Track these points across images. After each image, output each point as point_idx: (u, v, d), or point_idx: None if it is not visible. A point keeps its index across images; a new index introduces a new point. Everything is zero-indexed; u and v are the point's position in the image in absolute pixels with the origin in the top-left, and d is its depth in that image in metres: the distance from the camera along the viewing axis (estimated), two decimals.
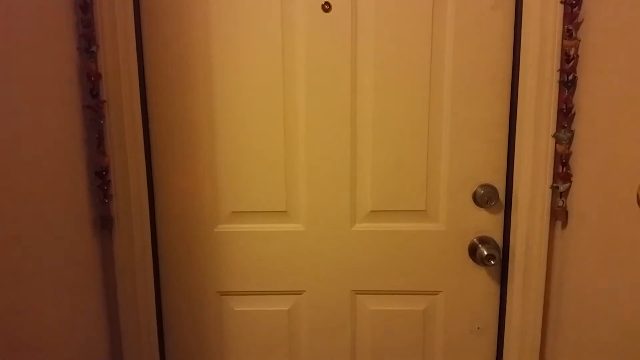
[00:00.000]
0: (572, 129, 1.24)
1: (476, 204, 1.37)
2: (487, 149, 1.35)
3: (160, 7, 1.30)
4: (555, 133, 1.25)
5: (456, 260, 1.41)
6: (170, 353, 1.50)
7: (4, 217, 0.93)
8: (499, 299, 1.44)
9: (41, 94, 1.06)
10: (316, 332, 1.48)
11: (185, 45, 1.31)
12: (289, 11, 1.30)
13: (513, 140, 1.33)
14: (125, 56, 1.27)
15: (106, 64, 1.25)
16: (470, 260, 1.40)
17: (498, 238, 1.39)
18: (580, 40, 1.19)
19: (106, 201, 1.31)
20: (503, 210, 1.38)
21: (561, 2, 1.19)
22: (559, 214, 1.29)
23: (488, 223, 1.39)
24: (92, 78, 1.24)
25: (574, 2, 1.17)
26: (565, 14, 1.19)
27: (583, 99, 1.20)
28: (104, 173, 1.29)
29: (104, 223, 1.32)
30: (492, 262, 1.33)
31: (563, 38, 1.21)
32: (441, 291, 1.44)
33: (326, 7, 1.29)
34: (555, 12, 1.20)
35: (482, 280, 1.42)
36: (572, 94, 1.23)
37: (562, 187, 1.27)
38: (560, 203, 1.28)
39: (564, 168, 1.26)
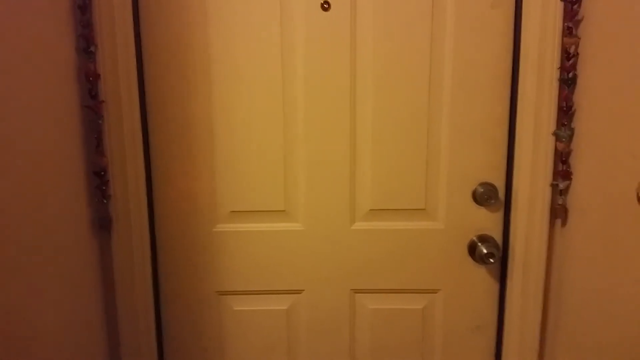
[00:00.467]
0: (572, 126, 1.24)
1: (476, 202, 1.37)
2: (487, 147, 1.35)
3: (158, 7, 1.29)
4: (555, 131, 1.25)
5: (455, 258, 1.41)
6: (169, 353, 1.50)
7: (1, 217, 0.93)
8: (498, 297, 1.44)
9: (40, 94, 1.06)
10: (315, 331, 1.48)
11: (183, 45, 1.31)
12: (288, 10, 1.29)
13: (513, 139, 1.33)
14: (124, 56, 1.26)
15: (105, 65, 1.25)
16: (470, 259, 1.40)
17: (497, 236, 1.39)
18: (580, 38, 1.19)
19: (105, 201, 1.31)
20: (503, 209, 1.38)
21: None
22: (558, 212, 1.29)
23: (487, 221, 1.39)
24: (91, 78, 1.24)
25: None
26: (565, 12, 1.19)
27: (583, 97, 1.20)
28: (102, 173, 1.29)
29: (102, 223, 1.32)
30: (492, 261, 1.33)
31: (563, 36, 1.20)
32: (440, 289, 1.44)
33: (325, 6, 1.29)
34: (555, 10, 1.20)
35: (481, 279, 1.42)
36: (572, 91, 1.22)
37: (562, 185, 1.27)
38: (560, 201, 1.28)
39: (564, 166, 1.26)
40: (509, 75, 1.31)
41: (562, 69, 1.21)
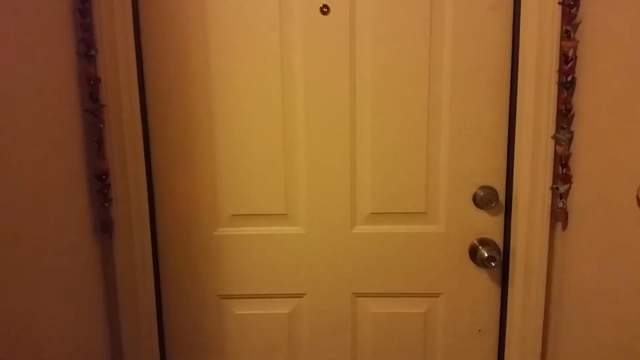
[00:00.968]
0: (572, 130, 1.24)
1: (476, 205, 1.37)
2: (487, 151, 1.35)
3: (158, 11, 1.30)
4: (554, 134, 1.25)
5: (457, 262, 1.41)
6: (171, 356, 1.50)
7: (4, 221, 0.93)
8: (499, 301, 1.43)
9: (41, 98, 1.07)
10: (317, 335, 1.48)
11: (184, 49, 1.32)
12: (287, 14, 1.30)
13: (512, 142, 1.33)
14: (124, 60, 1.27)
15: (105, 68, 1.26)
16: (471, 262, 1.40)
17: (498, 240, 1.39)
18: (578, 41, 1.19)
19: (106, 205, 1.31)
20: (503, 212, 1.38)
21: (559, 2, 1.19)
22: (559, 215, 1.29)
23: (488, 225, 1.39)
24: (92, 82, 1.25)
25: (571, 3, 1.17)
26: (563, 15, 1.19)
27: (582, 100, 1.20)
28: (103, 177, 1.29)
29: (104, 227, 1.32)
30: (493, 264, 1.33)
31: (561, 39, 1.21)
32: (442, 293, 1.44)
33: (324, 10, 1.29)
34: (553, 13, 1.20)
35: (482, 282, 1.42)
36: (571, 94, 1.22)
37: (562, 188, 1.27)
38: (561, 204, 1.28)
39: (564, 169, 1.26)
40: (508, 78, 1.31)
41: (561, 72, 1.22)
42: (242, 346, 1.48)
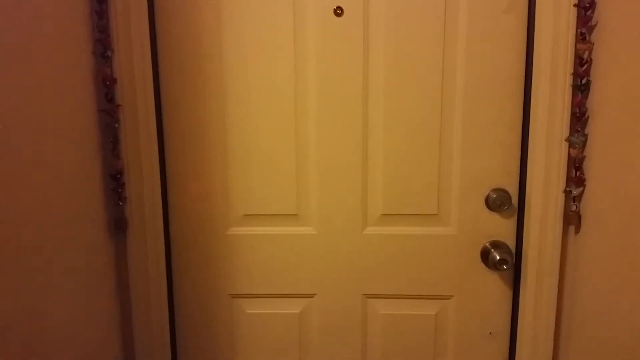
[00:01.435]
0: (586, 132, 1.23)
1: (488, 208, 1.37)
2: (500, 153, 1.34)
3: (174, 13, 1.31)
4: (568, 137, 1.24)
5: (468, 264, 1.41)
6: (182, 354, 1.51)
7: (20, 219, 0.95)
8: (511, 304, 1.43)
9: (57, 98, 1.08)
10: (327, 336, 1.48)
11: (198, 50, 1.33)
12: (301, 16, 1.31)
13: (526, 144, 1.32)
14: (139, 61, 1.29)
15: (121, 69, 1.28)
16: (483, 265, 1.40)
17: (511, 242, 1.38)
18: (593, 44, 1.18)
19: (120, 204, 1.33)
20: (516, 215, 1.37)
21: (574, 5, 1.18)
22: (572, 219, 1.28)
23: (500, 227, 1.38)
24: (108, 82, 1.26)
25: (587, 5, 1.16)
26: (578, 17, 1.19)
27: (597, 103, 1.19)
28: (118, 176, 1.31)
29: (118, 225, 1.34)
30: (505, 267, 1.32)
31: (576, 41, 1.20)
32: (453, 296, 1.44)
33: (338, 12, 1.30)
34: (568, 16, 1.20)
35: (494, 285, 1.42)
36: (585, 97, 1.22)
37: (575, 192, 1.26)
38: (574, 207, 1.27)
39: (577, 172, 1.25)
40: (522, 80, 1.31)
41: (576, 74, 1.21)
42: (252, 345, 1.49)
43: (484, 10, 1.28)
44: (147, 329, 1.42)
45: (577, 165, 1.25)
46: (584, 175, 1.25)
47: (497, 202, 1.34)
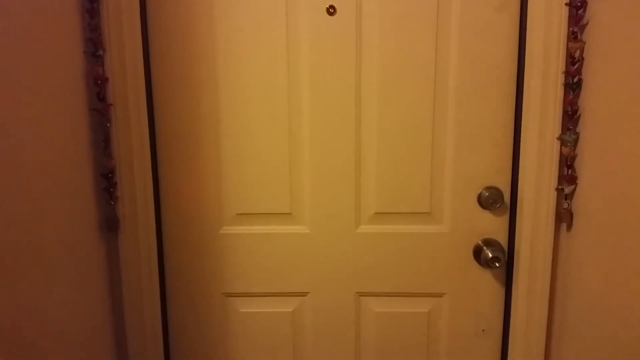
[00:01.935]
0: (578, 131, 1.24)
1: (481, 206, 1.37)
2: (492, 151, 1.35)
3: (166, 11, 1.31)
4: (560, 135, 1.25)
5: (461, 262, 1.41)
6: (175, 354, 1.51)
7: (11, 218, 0.94)
8: (503, 301, 1.43)
9: (48, 97, 1.08)
10: (320, 334, 1.48)
11: (190, 49, 1.32)
12: (294, 14, 1.30)
13: (518, 143, 1.33)
14: (131, 60, 1.28)
15: (113, 68, 1.27)
16: (475, 263, 1.40)
17: (503, 240, 1.39)
18: (585, 43, 1.19)
19: (112, 203, 1.32)
20: (508, 213, 1.38)
21: (566, 4, 1.18)
22: (564, 216, 1.28)
23: (493, 225, 1.39)
24: (99, 81, 1.26)
25: (579, 4, 1.17)
26: (570, 16, 1.19)
27: (588, 101, 1.20)
28: (110, 175, 1.31)
29: (110, 225, 1.34)
30: (497, 265, 1.33)
31: (568, 40, 1.20)
32: (446, 293, 1.44)
33: (331, 11, 1.30)
34: (560, 14, 1.20)
35: (486, 283, 1.42)
36: (577, 96, 1.22)
37: (567, 190, 1.26)
38: (566, 205, 1.28)
39: (569, 170, 1.26)
40: (514, 79, 1.31)
41: (567, 73, 1.21)
42: (246, 344, 1.49)
43: (477, 8, 1.28)
44: (139, 329, 1.42)
45: (569, 163, 1.25)
46: (575, 173, 1.26)
47: (489, 200, 1.35)
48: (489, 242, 1.38)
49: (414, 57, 1.31)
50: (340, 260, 1.43)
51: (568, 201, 1.28)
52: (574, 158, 1.25)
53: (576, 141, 1.24)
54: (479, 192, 1.37)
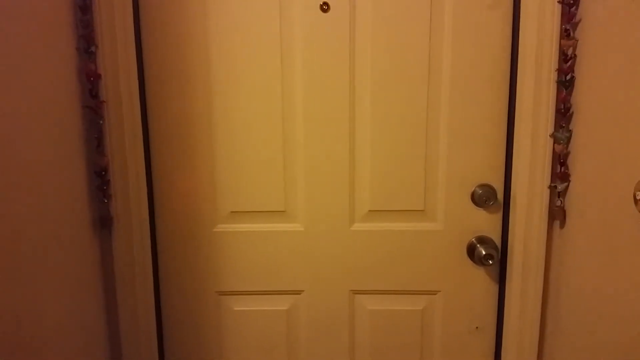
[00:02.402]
0: (570, 128, 1.24)
1: (474, 203, 1.38)
2: (486, 149, 1.35)
3: (159, 8, 1.30)
4: (553, 133, 1.26)
5: (455, 260, 1.42)
6: (169, 352, 1.50)
7: (3, 216, 0.93)
8: (497, 299, 1.44)
9: (40, 94, 1.07)
10: (315, 332, 1.48)
11: (184, 46, 1.32)
12: (288, 12, 1.30)
13: (511, 140, 1.33)
14: (124, 57, 1.27)
15: (105, 65, 1.26)
16: (469, 260, 1.40)
17: (496, 238, 1.39)
18: (578, 40, 1.19)
19: (105, 201, 1.32)
20: (501, 210, 1.38)
21: (559, 1, 1.19)
22: (557, 214, 1.29)
23: (486, 223, 1.39)
24: (92, 78, 1.25)
25: (571, 1, 1.17)
26: (562, 14, 1.20)
27: (581, 99, 1.20)
28: (103, 173, 1.30)
29: (103, 223, 1.33)
30: (491, 262, 1.33)
31: (561, 38, 1.21)
32: (440, 291, 1.44)
33: (324, 8, 1.30)
34: (552, 12, 1.21)
35: (480, 280, 1.43)
36: (570, 93, 1.23)
37: (560, 187, 1.27)
38: (559, 203, 1.28)
39: (562, 168, 1.26)
40: (507, 76, 1.31)
41: (560, 70, 1.22)
42: (240, 342, 1.49)
43: (470, 6, 1.28)
44: (133, 327, 1.41)
45: (562, 160, 1.26)
46: (568, 170, 1.26)
47: (483, 197, 1.35)
48: (482, 240, 1.38)
49: (407, 54, 1.31)
50: (334, 258, 1.43)
51: (561, 199, 1.28)
52: (566, 155, 1.26)
53: (569, 139, 1.24)
54: (472, 189, 1.37)
